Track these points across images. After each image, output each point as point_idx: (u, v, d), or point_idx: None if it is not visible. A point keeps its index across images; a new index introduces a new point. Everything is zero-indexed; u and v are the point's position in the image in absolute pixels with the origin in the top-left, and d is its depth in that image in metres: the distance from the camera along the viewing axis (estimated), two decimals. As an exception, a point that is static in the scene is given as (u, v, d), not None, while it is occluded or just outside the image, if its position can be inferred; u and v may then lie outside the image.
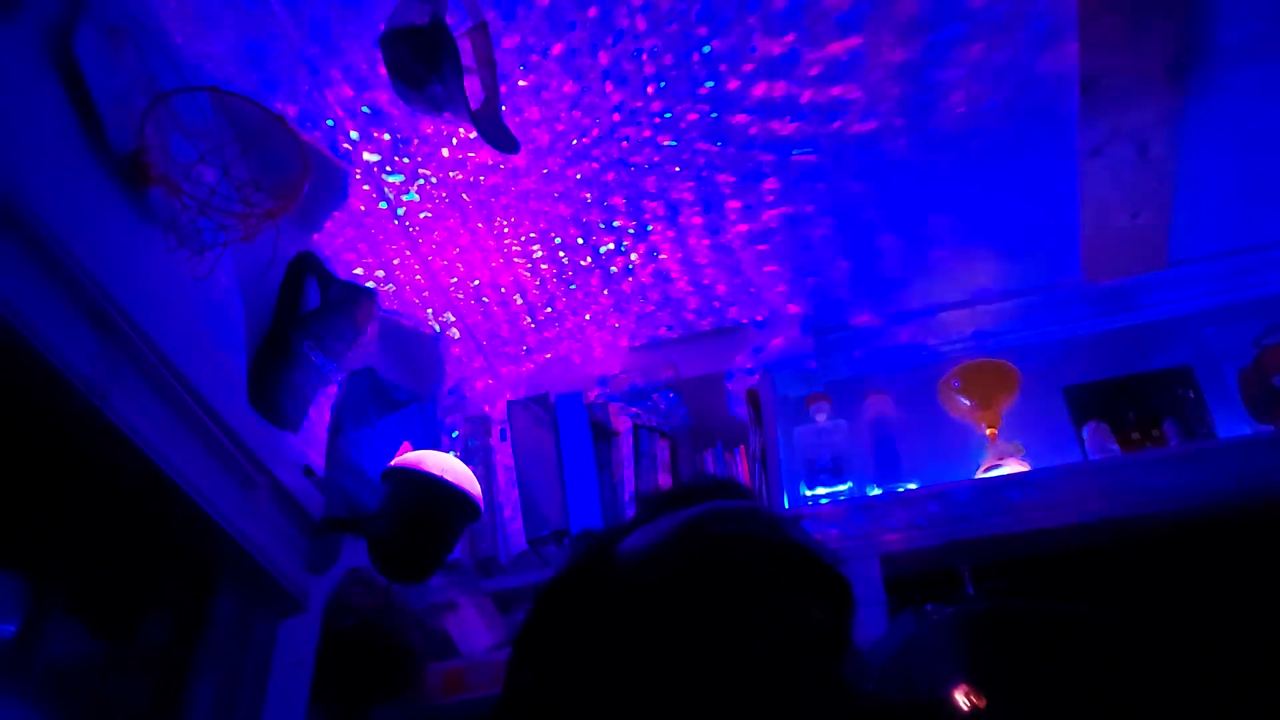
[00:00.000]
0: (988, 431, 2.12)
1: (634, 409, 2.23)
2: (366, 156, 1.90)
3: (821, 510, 2.00)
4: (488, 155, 1.90)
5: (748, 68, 1.75)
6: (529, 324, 2.33)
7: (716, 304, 2.29)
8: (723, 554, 0.61)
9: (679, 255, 2.15)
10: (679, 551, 0.62)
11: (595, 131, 1.87)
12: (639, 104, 1.82)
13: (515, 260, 2.15)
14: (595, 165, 1.93)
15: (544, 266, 2.17)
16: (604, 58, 1.73)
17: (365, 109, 1.81)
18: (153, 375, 1.41)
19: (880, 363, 2.36)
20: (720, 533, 0.62)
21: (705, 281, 2.22)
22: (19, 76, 1.32)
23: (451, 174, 1.95)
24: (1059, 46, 1.72)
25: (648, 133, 1.87)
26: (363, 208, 2.00)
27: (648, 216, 2.05)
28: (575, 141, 1.89)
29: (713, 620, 0.58)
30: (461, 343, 2.37)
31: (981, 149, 1.92)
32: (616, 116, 1.84)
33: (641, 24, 1.68)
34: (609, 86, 1.78)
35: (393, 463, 1.82)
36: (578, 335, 2.37)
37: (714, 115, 1.84)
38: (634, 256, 2.15)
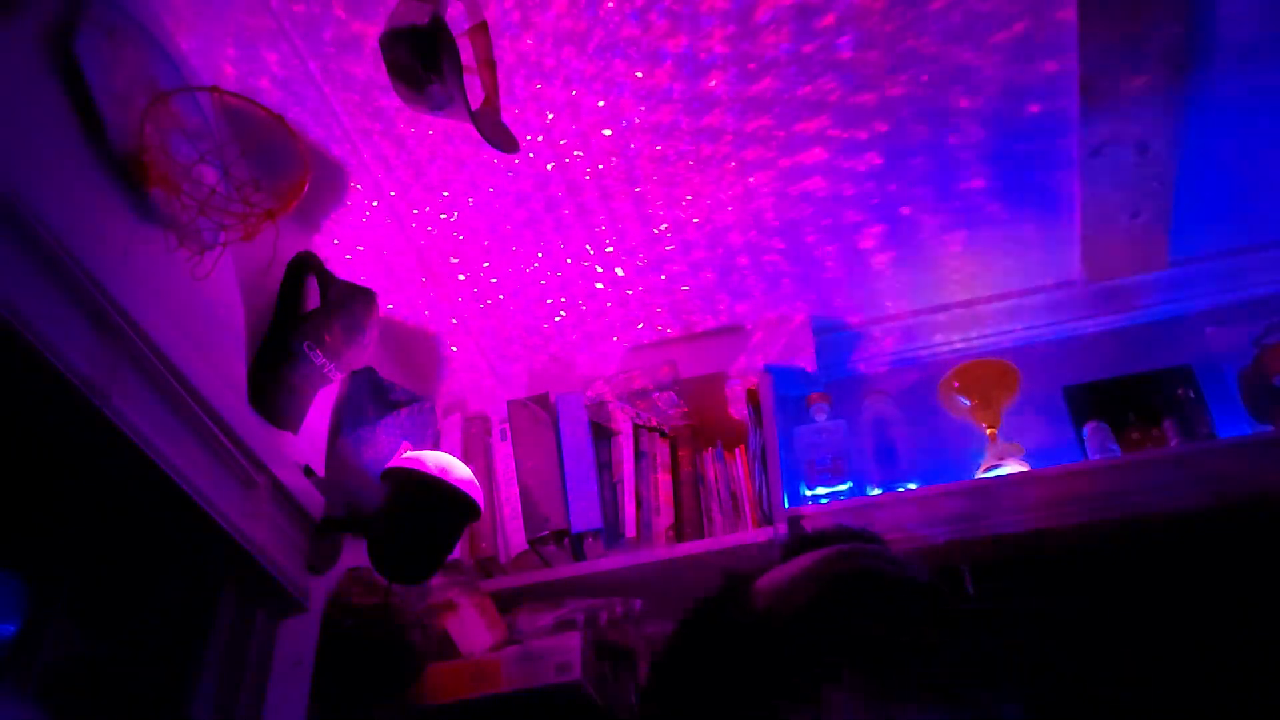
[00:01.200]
0: (988, 431, 2.12)
1: (634, 409, 2.23)
2: (366, 156, 1.90)
3: (821, 510, 2.00)
4: (490, 156, 1.90)
5: (751, 67, 1.75)
6: (529, 323, 2.33)
7: (716, 304, 2.29)
8: (848, 586, 0.66)
9: (679, 255, 2.15)
10: (810, 583, 0.67)
11: (596, 132, 1.87)
12: (641, 106, 1.82)
13: (515, 258, 2.15)
14: (594, 166, 1.94)
15: (544, 265, 2.17)
16: (588, 63, 1.73)
17: (365, 108, 1.81)
18: (153, 375, 1.41)
19: (880, 363, 2.36)
20: (847, 569, 0.68)
21: (705, 281, 2.22)
22: (19, 76, 1.32)
23: (457, 169, 1.95)
24: (1059, 46, 1.72)
25: (647, 134, 1.87)
26: (361, 207, 2.00)
27: (648, 216, 2.05)
28: (574, 140, 1.89)
29: (838, 642, 0.61)
30: (461, 343, 2.37)
31: (981, 148, 1.92)
32: (617, 118, 1.84)
33: (628, 17, 1.68)
34: (606, 88, 1.78)
35: (393, 463, 1.82)
36: (578, 335, 2.37)
37: (717, 115, 1.84)
38: (635, 257, 2.15)
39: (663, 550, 2.02)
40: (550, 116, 1.84)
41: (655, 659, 0.73)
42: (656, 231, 2.09)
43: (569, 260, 2.15)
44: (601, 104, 1.81)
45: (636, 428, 2.22)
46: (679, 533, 2.06)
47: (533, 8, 1.64)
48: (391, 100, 1.75)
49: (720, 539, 2.00)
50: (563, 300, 2.26)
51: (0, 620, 1.36)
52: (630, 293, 2.25)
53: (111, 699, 1.48)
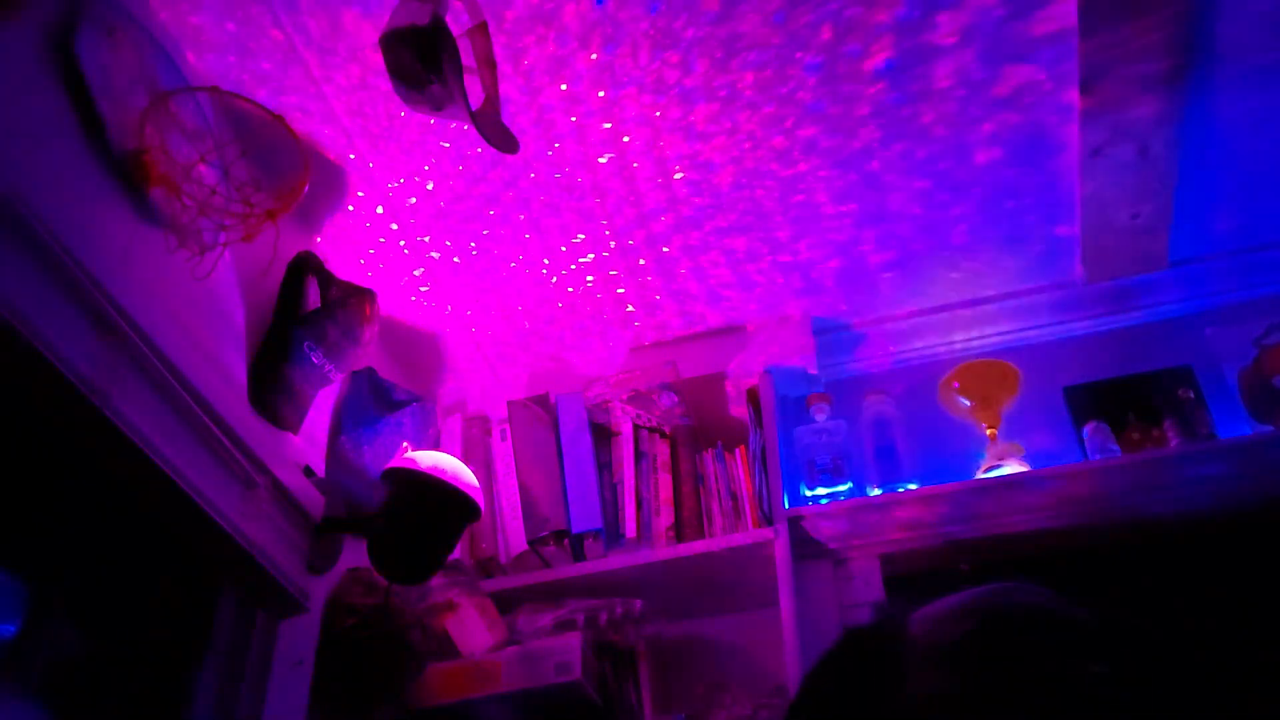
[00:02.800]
0: (988, 431, 2.12)
1: (634, 409, 2.23)
2: (366, 156, 1.90)
3: (821, 510, 2.01)
4: (490, 156, 1.91)
5: (743, 63, 1.75)
6: (529, 323, 2.33)
7: (716, 304, 2.29)
8: (1011, 620, 0.64)
9: (679, 254, 2.15)
10: (970, 616, 0.64)
11: (595, 133, 1.87)
12: (644, 106, 1.82)
13: (515, 259, 2.15)
14: (597, 165, 1.94)
15: (544, 265, 2.17)
16: (598, 60, 1.73)
17: (365, 108, 1.81)
18: (153, 375, 1.41)
19: (880, 363, 2.36)
20: (1009, 603, 0.66)
21: (705, 281, 2.22)
22: (19, 76, 1.32)
23: (457, 170, 1.95)
24: (1059, 46, 1.72)
25: (645, 133, 1.87)
26: (361, 208, 2.00)
27: (647, 216, 2.05)
28: (574, 140, 1.89)
29: (1001, 678, 0.59)
30: (461, 342, 2.37)
31: (981, 148, 1.92)
32: (615, 116, 1.84)
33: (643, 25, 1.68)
34: (609, 84, 1.79)
35: (393, 463, 1.82)
36: (578, 335, 2.37)
37: (717, 115, 1.84)
38: (636, 257, 2.15)
39: (663, 550, 2.02)
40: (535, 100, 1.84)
41: (802, 681, 0.69)
42: (656, 231, 2.09)
43: (569, 260, 2.15)
44: (601, 94, 1.81)
45: (636, 428, 2.22)
46: (679, 533, 2.06)
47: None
48: (392, 100, 1.75)
49: (720, 539, 2.00)
50: (563, 300, 2.26)
51: (0, 620, 1.36)
52: (630, 293, 2.25)
53: (111, 699, 1.48)
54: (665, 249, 2.13)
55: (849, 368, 2.37)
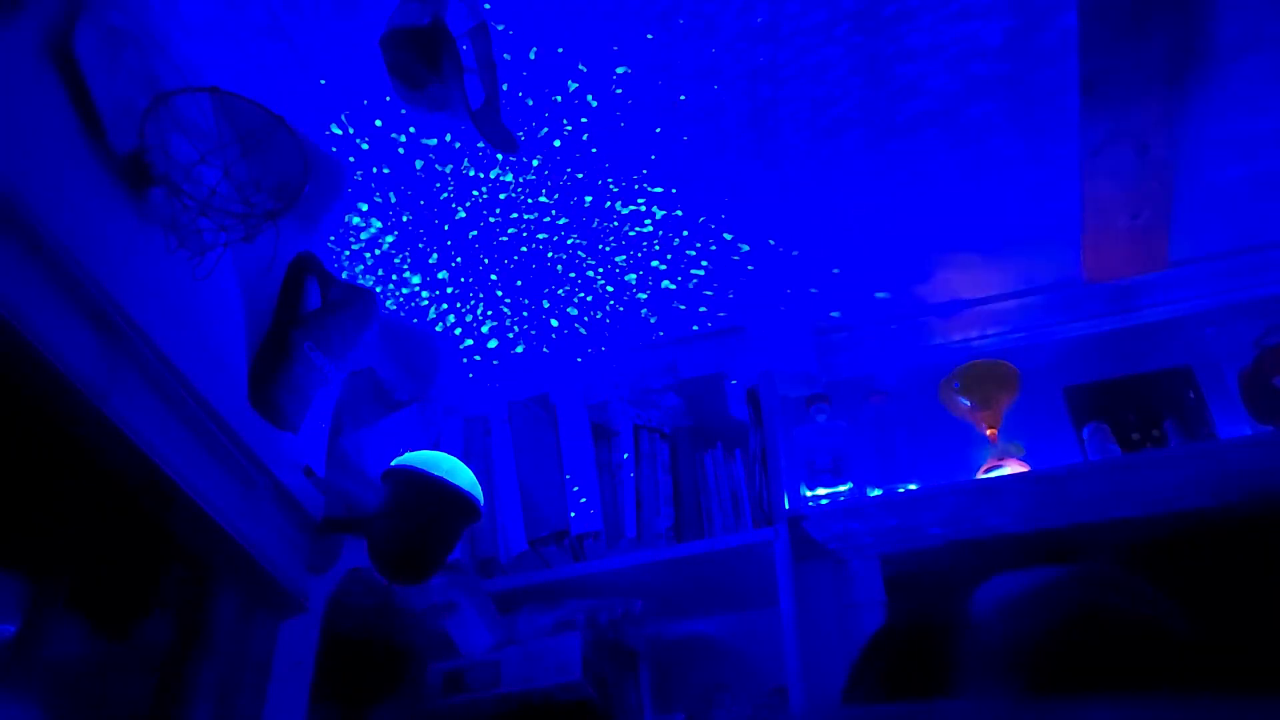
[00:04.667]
0: (988, 431, 2.12)
1: (634, 409, 2.23)
2: (366, 156, 1.90)
3: (821, 510, 2.00)
4: (487, 154, 1.90)
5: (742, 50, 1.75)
6: (530, 323, 2.32)
7: (716, 304, 2.29)
8: (1075, 625, 0.59)
9: (679, 255, 2.15)
10: (1038, 612, 0.60)
11: (596, 132, 1.87)
12: (636, 101, 1.82)
13: (515, 259, 2.15)
14: (595, 165, 1.93)
15: (544, 265, 2.17)
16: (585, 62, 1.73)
17: (366, 108, 1.81)
18: (153, 375, 1.41)
19: (880, 363, 2.36)
20: (1077, 599, 0.62)
21: (706, 281, 2.22)
22: (19, 76, 1.32)
23: (457, 171, 1.95)
24: (1059, 46, 1.72)
25: (646, 131, 1.87)
26: (362, 208, 2.00)
27: (648, 215, 2.05)
28: (573, 139, 1.89)
29: (1064, 681, 0.55)
30: (462, 342, 2.37)
31: (981, 149, 1.92)
32: (616, 115, 1.84)
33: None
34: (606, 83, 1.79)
35: (393, 463, 1.82)
36: (579, 335, 2.36)
37: (715, 112, 1.84)
38: (635, 256, 2.15)
39: (663, 550, 2.02)
40: (545, 112, 1.84)
41: (857, 660, 0.66)
42: (656, 231, 2.09)
43: (569, 260, 2.15)
44: (596, 103, 1.82)
45: (636, 428, 2.22)
46: (679, 533, 2.06)
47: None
48: (392, 100, 1.75)
49: (720, 539, 2.00)
50: (563, 300, 2.26)
51: (0, 620, 1.36)
52: (631, 293, 2.25)
53: (111, 699, 1.48)
54: (665, 249, 2.13)
55: (849, 368, 2.37)
